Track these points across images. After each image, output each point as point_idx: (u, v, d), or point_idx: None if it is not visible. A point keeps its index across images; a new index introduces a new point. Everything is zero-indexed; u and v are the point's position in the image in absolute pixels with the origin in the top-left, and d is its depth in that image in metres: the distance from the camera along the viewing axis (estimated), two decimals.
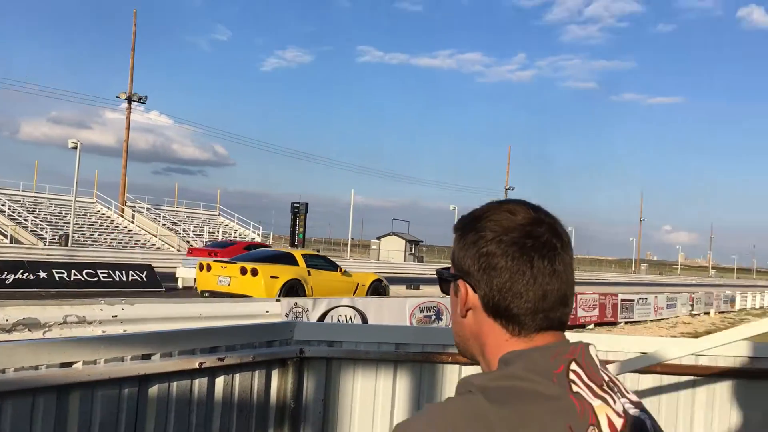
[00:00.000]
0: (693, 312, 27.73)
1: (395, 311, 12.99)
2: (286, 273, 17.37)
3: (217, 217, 59.87)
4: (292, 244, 26.24)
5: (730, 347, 3.97)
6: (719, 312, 30.39)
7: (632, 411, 1.04)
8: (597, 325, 20.34)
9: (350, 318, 10.46)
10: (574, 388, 1.00)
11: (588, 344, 1.09)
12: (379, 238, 68.91)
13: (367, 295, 18.57)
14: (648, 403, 3.84)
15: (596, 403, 1.00)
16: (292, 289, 17.17)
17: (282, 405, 3.41)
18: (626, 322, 21.91)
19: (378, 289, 19.73)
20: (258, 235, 59.25)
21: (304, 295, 16.68)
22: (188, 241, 48.70)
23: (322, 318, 10.16)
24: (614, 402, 1.02)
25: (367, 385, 3.61)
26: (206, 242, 39.80)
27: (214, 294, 16.59)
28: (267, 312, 9.46)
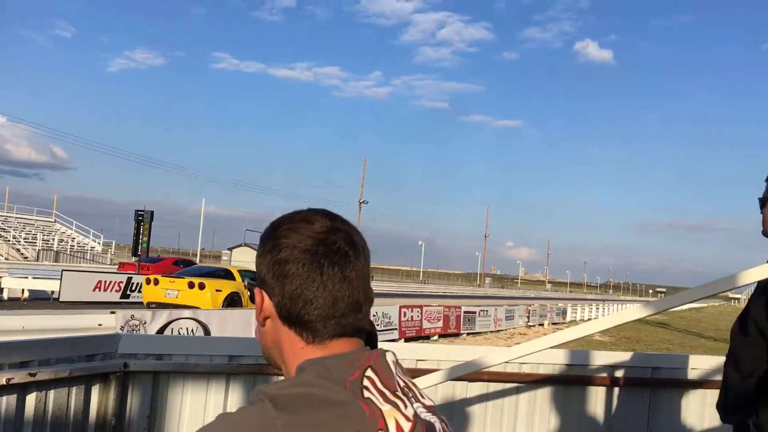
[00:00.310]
0: (529, 323, 29.48)
1: (241, 323, 12.70)
2: (227, 287, 19.68)
3: (52, 223, 55.74)
4: (135, 254, 25.00)
5: (550, 356, 4.26)
6: (552, 323, 32.53)
7: (424, 415, 1.09)
8: (441, 336, 21.07)
9: (192, 330, 10.11)
10: (366, 394, 1.02)
11: (385, 351, 1.12)
12: (230, 249, 67.46)
13: (222, 306, 18.29)
14: (476, 408, 4.03)
15: (386, 408, 1.02)
16: (233, 300, 19.47)
17: (102, 422, 3.20)
18: (468, 333, 22.88)
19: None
20: (99, 243, 55.91)
21: (241, 306, 18.91)
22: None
23: (161, 331, 9.74)
24: (405, 407, 1.06)
25: (197, 399, 3.48)
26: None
27: (160, 306, 17.69)
28: (100, 325, 8.92)
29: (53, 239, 50.57)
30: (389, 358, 1.11)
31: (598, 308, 44.06)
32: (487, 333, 24.13)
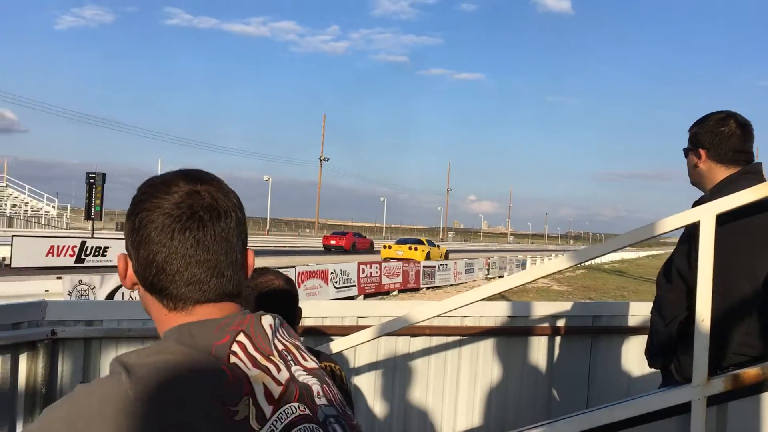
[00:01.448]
0: (489, 276, 29.92)
1: None
2: (424, 247, 39.72)
3: (4, 188, 54.23)
4: (88, 218, 24.48)
5: (492, 308, 4.30)
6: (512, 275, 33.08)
7: (303, 378, 1.06)
8: (401, 291, 21.27)
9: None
10: (233, 360, 0.99)
11: (261, 314, 1.08)
12: None
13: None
14: (419, 362, 4.05)
15: (254, 372, 0.99)
16: (428, 255, 38.10)
17: (32, 391, 3.13)
18: (428, 288, 23.13)
19: (428, 256, 19.97)
20: (54, 208, 54.72)
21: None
22: None
23: (111, 296, 9.60)
24: (278, 371, 1.03)
25: None
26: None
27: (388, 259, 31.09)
28: (47, 291, 8.75)
29: (5, 204, 49.34)
30: (266, 321, 1.07)
31: (557, 257, 44.84)
32: (447, 287, 24.43)
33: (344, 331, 3.80)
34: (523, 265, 36.08)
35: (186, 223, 1.02)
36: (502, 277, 31.32)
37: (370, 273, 19.31)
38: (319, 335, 3.79)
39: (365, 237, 56.49)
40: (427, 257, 36.73)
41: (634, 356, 4.66)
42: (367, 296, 19.10)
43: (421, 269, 22.68)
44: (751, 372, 2.18)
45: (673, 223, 2.26)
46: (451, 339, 4.22)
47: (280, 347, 1.06)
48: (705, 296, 2.19)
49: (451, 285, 24.99)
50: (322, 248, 49.91)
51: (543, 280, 31.12)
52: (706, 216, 2.19)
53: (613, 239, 2.37)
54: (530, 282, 2.80)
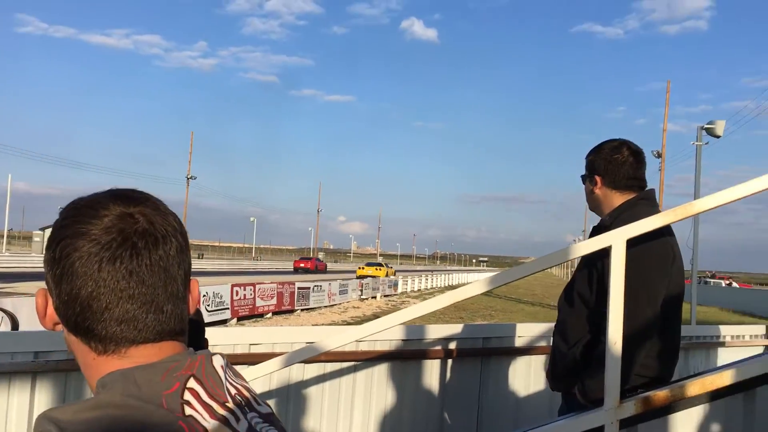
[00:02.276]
0: (362, 297, 30.05)
1: None
2: (383, 268, 66.49)
3: None
4: None
5: (386, 332, 4.24)
6: (384, 296, 33.41)
7: (260, 426, 0.92)
8: (275, 313, 20.85)
9: None
10: (188, 411, 0.84)
11: (212, 355, 0.93)
12: (42, 229, 62.41)
13: None
14: (313, 390, 3.90)
15: (212, 425, 0.85)
16: (386, 273, 56.22)
17: None
18: (302, 309, 22.83)
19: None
20: None
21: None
22: None
23: None
24: (237, 420, 0.89)
25: None
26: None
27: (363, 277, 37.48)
28: None
29: None
30: (217, 362, 0.93)
31: (427, 279, 45.95)
32: (321, 308, 24.25)
33: (237, 359, 3.61)
34: (395, 285, 36.57)
35: (116, 252, 0.86)
36: (375, 298, 31.57)
37: (244, 295, 18.77)
38: None
39: (323, 261, 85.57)
40: (386, 275, 54.49)
41: (521, 377, 4.76)
42: (240, 319, 18.55)
43: (296, 290, 22.36)
44: (660, 394, 2.23)
45: (587, 247, 2.29)
46: (345, 365, 4.11)
47: (233, 392, 0.92)
48: (616, 320, 2.23)
49: (326, 306, 24.84)
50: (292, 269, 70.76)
51: (415, 300, 31.70)
52: (617, 241, 2.24)
53: (528, 263, 2.38)
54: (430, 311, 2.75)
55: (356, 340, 3.96)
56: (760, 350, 6.98)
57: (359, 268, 68.18)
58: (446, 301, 2.37)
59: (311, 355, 2.52)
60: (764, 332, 7.09)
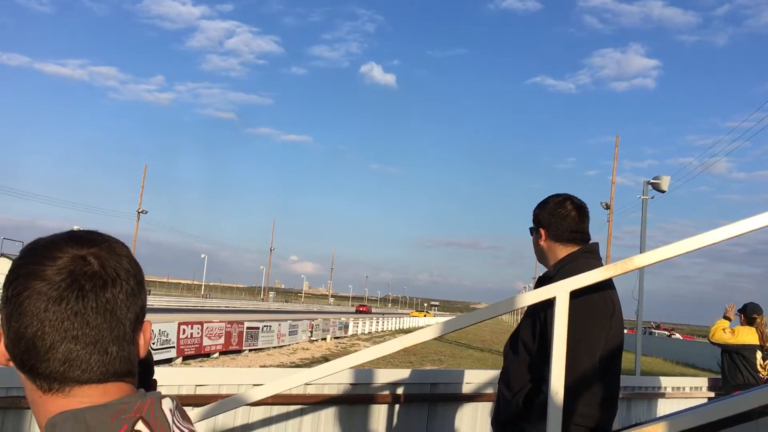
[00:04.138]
0: (312, 338, 29.71)
1: None
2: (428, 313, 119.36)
3: None
4: None
5: (334, 376, 4.23)
6: (335, 338, 33.10)
7: None
8: (222, 353, 20.43)
9: None
10: None
11: (162, 397, 0.95)
12: None
13: None
14: None
15: None
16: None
17: None
18: (251, 350, 22.44)
19: None
20: None
21: None
22: None
23: None
24: None
25: None
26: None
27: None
28: None
29: None
30: (166, 405, 0.94)
31: (378, 322, 45.73)
32: (270, 349, 23.87)
33: (183, 401, 3.54)
34: (345, 327, 36.30)
35: (63, 293, 0.88)
36: (325, 339, 31.25)
37: (191, 334, 18.37)
38: None
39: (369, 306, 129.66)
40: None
41: (467, 423, 4.78)
42: (186, 358, 18.12)
43: (245, 331, 21.99)
44: None
45: (532, 298, 2.36)
46: (292, 408, 4.08)
47: None
48: (559, 370, 2.29)
49: (274, 347, 24.45)
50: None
51: (365, 343, 31.47)
52: (561, 293, 2.31)
53: (477, 311, 2.44)
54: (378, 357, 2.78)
55: (304, 383, 3.95)
56: (700, 402, 7.17)
57: (409, 314, 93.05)
58: (397, 346, 2.40)
59: (258, 399, 2.51)
60: (706, 384, 7.30)
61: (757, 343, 7.05)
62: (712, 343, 7.41)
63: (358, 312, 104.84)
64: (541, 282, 2.85)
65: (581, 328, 2.45)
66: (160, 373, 3.83)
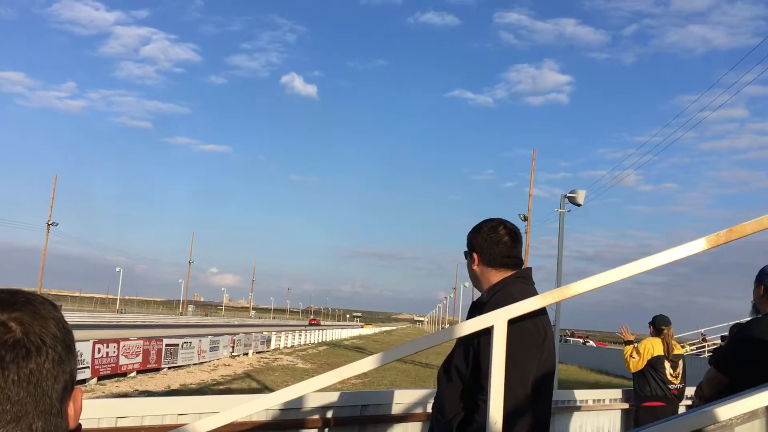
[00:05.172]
0: (234, 354, 29.09)
1: None
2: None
3: None
4: None
5: (264, 401, 4.11)
6: (257, 352, 32.53)
7: None
8: (140, 372, 19.72)
9: None
10: None
11: None
12: None
13: None
14: None
15: None
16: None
17: None
18: (170, 368, 21.74)
19: None
20: None
21: None
22: None
23: None
24: None
25: None
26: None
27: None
28: None
29: None
30: None
31: (301, 335, 45.29)
32: (191, 366, 23.21)
33: (165, 431, 3.49)
34: (268, 341, 35.74)
35: None
36: (247, 354, 30.66)
37: (107, 353, 17.60)
38: None
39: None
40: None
41: None
42: (101, 378, 17.37)
43: (164, 348, 21.29)
44: None
45: (470, 327, 2.36)
46: None
47: None
48: (497, 399, 2.29)
49: (195, 364, 23.79)
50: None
51: (288, 357, 31.08)
52: (499, 321, 2.32)
53: (414, 341, 2.41)
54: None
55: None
56: (617, 413, 7.41)
57: (361, 327, 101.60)
58: (333, 379, 2.34)
59: (211, 428, 2.40)
60: (620, 396, 7.54)
61: (662, 353, 7.20)
62: (633, 373, 7.42)
63: (311, 325, 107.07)
64: (474, 307, 2.85)
65: (514, 355, 2.46)
66: (122, 405, 3.64)
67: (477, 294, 3.00)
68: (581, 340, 65.24)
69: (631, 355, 7.36)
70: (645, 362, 7.20)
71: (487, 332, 2.37)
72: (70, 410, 0.91)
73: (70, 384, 0.90)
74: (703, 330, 30.60)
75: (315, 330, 54.85)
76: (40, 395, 0.83)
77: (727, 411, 2.17)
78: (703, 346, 28.65)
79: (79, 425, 2.00)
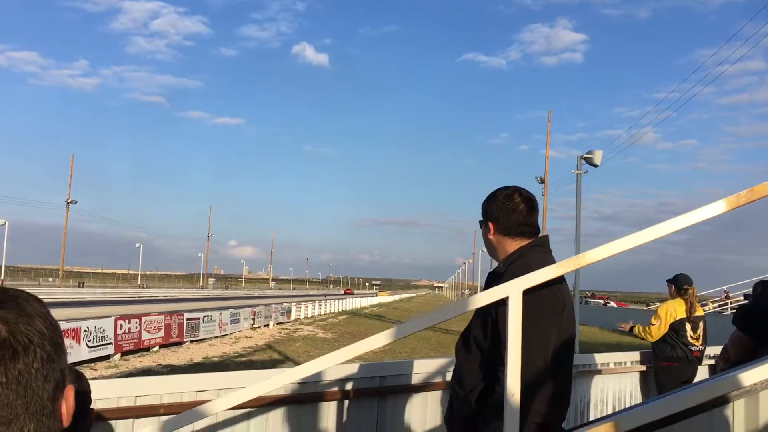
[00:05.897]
0: (255, 325, 29.39)
1: None
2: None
3: None
4: None
5: (282, 376, 4.11)
6: (278, 323, 32.84)
7: None
8: (162, 346, 19.99)
9: None
10: None
11: None
12: None
13: None
14: None
15: None
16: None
17: None
18: (192, 341, 22.02)
19: None
20: None
21: None
22: None
23: None
24: None
25: None
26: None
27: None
28: None
29: None
30: None
31: (321, 305, 45.63)
32: (212, 339, 23.49)
33: (121, 414, 3.44)
34: (288, 312, 36.05)
35: None
36: (267, 326, 30.97)
37: (129, 329, 17.85)
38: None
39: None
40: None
41: (417, 414, 4.76)
42: (125, 354, 17.63)
43: (185, 322, 21.55)
44: None
45: (486, 298, 2.31)
46: (238, 412, 3.95)
47: None
48: (515, 371, 2.25)
49: (216, 337, 24.08)
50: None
51: (309, 328, 31.35)
52: (514, 292, 2.27)
53: (430, 314, 2.38)
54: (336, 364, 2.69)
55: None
56: (636, 375, 7.37)
57: (375, 295, 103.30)
58: (349, 354, 2.32)
59: (202, 417, 2.39)
60: (638, 358, 7.48)
61: (685, 315, 6.96)
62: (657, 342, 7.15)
63: (346, 294, 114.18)
64: (491, 278, 2.80)
65: (533, 325, 2.41)
66: (96, 387, 3.65)
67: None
68: (602, 302, 65.13)
69: (650, 329, 7.08)
70: (667, 327, 7.00)
71: (504, 303, 2.33)
72: (63, 409, 0.87)
73: (61, 382, 0.85)
74: (726, 287, 30.37)
75: (334, 300, 55.22)
76: (31, 396, 0.79)
77: (750, 376, 2.12)
78: (726, 304, 28.48)
79: (92, 409, 1.97)
